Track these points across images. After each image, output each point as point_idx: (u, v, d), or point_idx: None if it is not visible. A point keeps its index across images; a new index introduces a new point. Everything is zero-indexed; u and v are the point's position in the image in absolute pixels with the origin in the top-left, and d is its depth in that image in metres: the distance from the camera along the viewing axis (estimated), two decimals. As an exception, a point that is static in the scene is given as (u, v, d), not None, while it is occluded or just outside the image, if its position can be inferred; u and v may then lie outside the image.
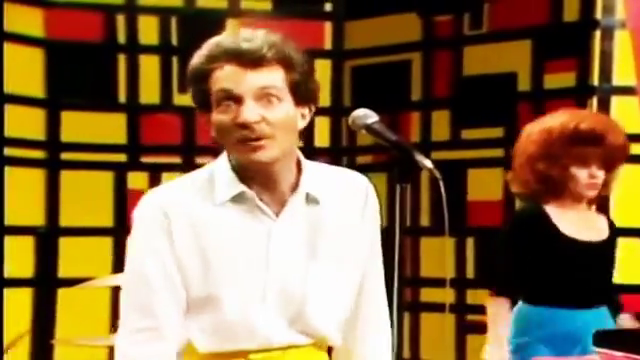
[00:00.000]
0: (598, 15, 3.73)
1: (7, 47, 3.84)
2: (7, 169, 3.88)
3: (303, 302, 1.63)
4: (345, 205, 1.67)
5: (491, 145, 3.98)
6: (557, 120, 2.68)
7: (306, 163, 1.65)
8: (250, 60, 1.56)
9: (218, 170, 1.63)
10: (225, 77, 1.57)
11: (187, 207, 1.60)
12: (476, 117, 4.02)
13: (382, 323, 1.70)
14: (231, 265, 1.60)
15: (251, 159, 1.57)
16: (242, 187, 1.60)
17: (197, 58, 1.60)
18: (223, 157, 1.64)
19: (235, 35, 1.60)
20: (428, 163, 1.51)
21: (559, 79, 3.82)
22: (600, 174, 2.66)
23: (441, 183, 1.50)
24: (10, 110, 3.88)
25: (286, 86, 1.59)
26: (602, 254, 2.71)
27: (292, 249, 1.63)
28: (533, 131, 2.71)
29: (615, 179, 2.77)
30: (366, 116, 1.58)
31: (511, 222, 2.76)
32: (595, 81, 3.73)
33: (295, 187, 1.63)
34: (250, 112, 1.56)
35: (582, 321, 2.61)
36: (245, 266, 1.61)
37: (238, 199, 1.61)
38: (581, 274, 2.65)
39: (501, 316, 2.64)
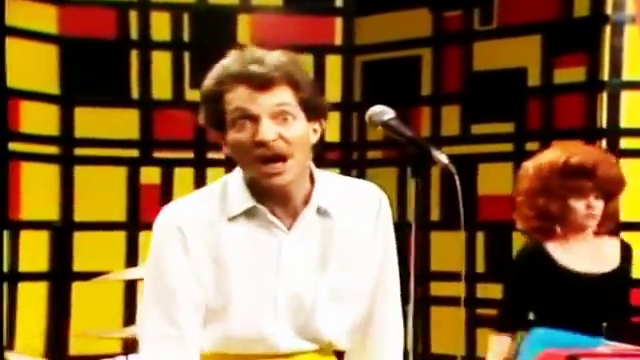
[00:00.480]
0: (608, 10, 3.74)
1: (21, 44, 3.88)
2: (22, 164, 3.92)
3: (312, 312, 1.66)
4: (357, 216, 1.69)
5: (501, 140, 3.99)
6: (549, 155, 2.77)
7: (318, 176, 1.68)
8: (260, 82, 1.60)
9: (232, 184, 1.67)
10: (239, 97, 1.60)
11: (201, 222, 1.64)
12: (486, 112, 4.04)
13: (396, 326, 1.74)
14: (242, 278, 1.64)
15: (270, 184, 1.61)
16: (253, 202, 1.64)
17: (208, 81, 1.64)
18: (237, 171, 1.68)
19: (243, 57, 1.63)
20: (444, 158, 1.53)
21: (569, 74, 3.82)
22: (598, 204, 2.72)
23: (456, 178, 1.53)
24: (25, 106, 3.92)
25: (297, 104, 1.62)
26: (608, 284, 2.74)
27: (303, 261, 1.66)
28: (529, 167, 2.78)
29: (617, 210, 2.82)
30: (383, 112, 1.60)
31: (514, 263, 2.82)
32: (605, 76, 3.73)
33: (307, 200, 1.66)
34: (268, 130, 1.59)
35: (585, 345, 2.64)
36: (256, 279, 1.64)
37: (250, 213, 1.64)
38: (585, 305, 2.70)
39: (498, 350, 2.73)
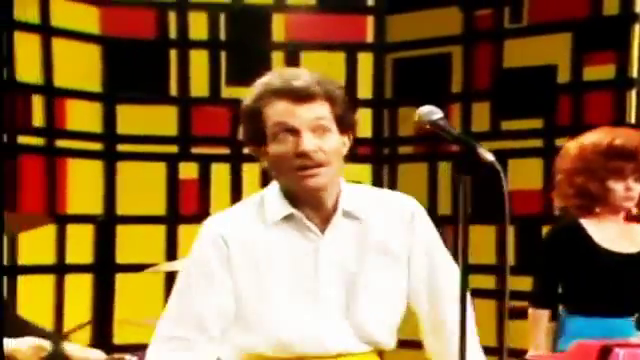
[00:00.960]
0: (637, 9, 3.78)
1: (66, 44, 3.99)
2: (68, 160, 4.03)
3: (355, 311, 1.78)
4: (388, 221, 1.81)
5: (531, 136, 4.04)
6: (592, 137, 2.80)
7: (344, 185, 1.81)
8: (301, 96, 1.73)
9: (269, 195, 1.80)
10: (279, 112, 1.73)
11: (243, 232, 1.77)
12: (516, 109, 4.09)
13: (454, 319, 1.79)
14: (283, 281, 1.76)
15: (307, 185, 1.74)
16: (291, 209, 1.77)
17: (249, 98, 1.77)
18: (274, 184, 1.81)
19: (283, 74, 1.77)
20: (490, 156, 1.63)
21: (598, 71, 3.86)
22: (636, 187, 2.76)
23: (502, 175, 1.62)
24: (69, 104, 4.03)
25: (332, 118, 1.76)
26: (637, 264, 2.77)
27: (339, 262, 1.78)
28: (570, 148, 2.83)
29: None
30: (431, 112, 1.69)
31: (548, 237, 2.86)
32: (634, 73, 3.78)
33: (336, 206, 1.79)
34: (309, 142, 1.73)
35: (617, 329, 2.67)
36: (297, 281, 1.76)
37: (287, 220, 1.78)
38: (616, 284, 2.73)
39: (539, 325, 2.78)
